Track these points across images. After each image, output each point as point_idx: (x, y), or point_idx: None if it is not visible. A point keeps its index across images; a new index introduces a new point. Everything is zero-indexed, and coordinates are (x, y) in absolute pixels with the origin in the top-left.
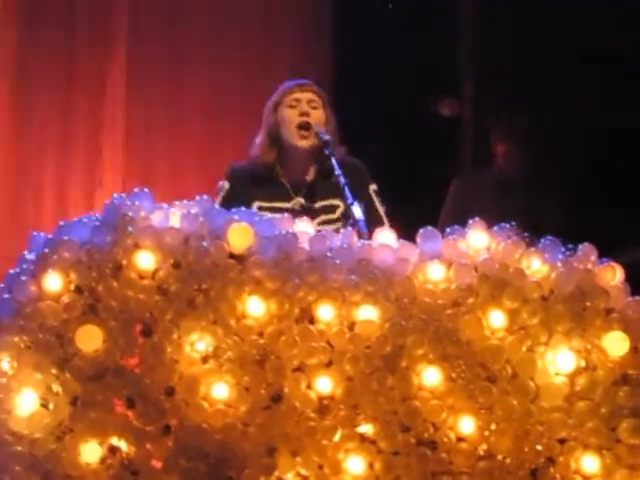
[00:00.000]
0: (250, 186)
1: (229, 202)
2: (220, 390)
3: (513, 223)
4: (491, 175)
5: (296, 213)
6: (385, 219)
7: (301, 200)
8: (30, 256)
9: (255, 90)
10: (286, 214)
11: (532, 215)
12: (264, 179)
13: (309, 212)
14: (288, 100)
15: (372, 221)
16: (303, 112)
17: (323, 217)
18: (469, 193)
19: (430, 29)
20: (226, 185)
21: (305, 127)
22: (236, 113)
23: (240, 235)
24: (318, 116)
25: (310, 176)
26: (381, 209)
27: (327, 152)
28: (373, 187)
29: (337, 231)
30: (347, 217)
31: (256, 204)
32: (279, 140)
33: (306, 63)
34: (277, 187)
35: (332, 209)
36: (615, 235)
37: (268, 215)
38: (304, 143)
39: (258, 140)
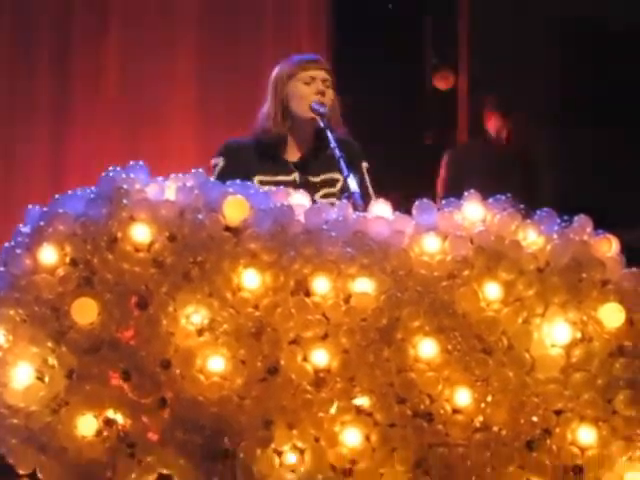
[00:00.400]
0: (249, 161)
1: (225, 178)
2: (216, 363)
3: (508, 195)
4: (483, 148)
5: (297, 187)
6: (374, 196)
7: (301, 174)
8: (25, 229)
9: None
10: (287, 187)
11: (525, 189)
12: (265, 153)
13: (310, 186)
14: (303, 76)
15: (363, 198)
16: (319, 91)
17: (325, 191)
18: (462, 165)
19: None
20: (221, 162)
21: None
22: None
23: (235, 208)
24: (330, 95)
25: (310, 150)
26: (371, 186)
27: (322, 125)
28: (365, 165)
29: (340, 197)
30: (345, 192)
31: (257, 178)
32: (289, 114)
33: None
34: (278, 161)
35: (333, 183)
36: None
37: (271, 189)
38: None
39: (267, 111)
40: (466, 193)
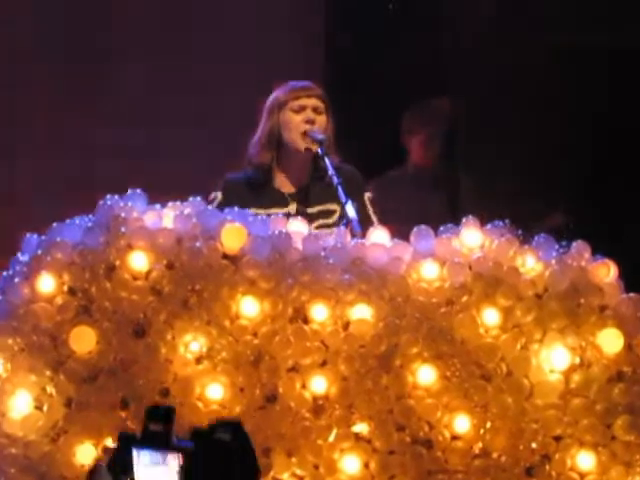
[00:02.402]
0: (244, 195)
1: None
2: (214, 391)
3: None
4: (405, 173)
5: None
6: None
7: (297, 206)
8: (23, 258)
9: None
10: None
11: (452, 203)
12: (258, 185)
13: (305, 217)
14: (293, 104)
15: (366, 229)
16: (309, 119)
17: (320, 222)
18: (384, 196)
19: None
20: (219, 196)
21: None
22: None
23: (233, 235)
24: (322, 122)
25: (306, 181)
26: (374, 217)
27: (320, 152)
28: (368, 195)
29: (338, 224)
30: (343, 219)
31: (252, 211)
32: (279, 142)
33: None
34: (272, 193)
35: (328, 214)
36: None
37: None
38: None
39: (255, 140)
40: (464, 219)
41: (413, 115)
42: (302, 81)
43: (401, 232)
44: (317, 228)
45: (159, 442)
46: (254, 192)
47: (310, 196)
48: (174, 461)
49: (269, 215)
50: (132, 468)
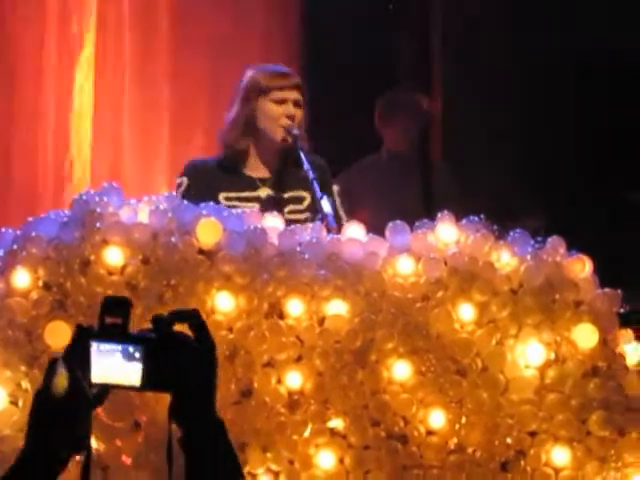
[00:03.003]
0: (213, 179)
1: (189, 198)
2: None
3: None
4: (378, 160)
5: (263, 202)
6: (345, 219)
7: (268, 190)
8: None
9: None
10: (254, 204)
11: (426, 190)
12: (228, 170)
13: (277, 202)
14: (276, 95)
15: (336, 222)
16: (290, 114)
17: (291, 207)
18: (358, 186)
19: None
20: (185, 181)
21: (290, 135)
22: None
23: (209, 230)
24: (299, 116)
25: (277, 167)
26: (342, 210)
27: (297, 146)
28: (335, 187)
29: (305, 221)
30: (315, 210)
31: (222, 195)
32: (254, 129)
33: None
34: (243, 178)
35: (299, 200)
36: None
37: (236, 205)
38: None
39: (232, 120)
40: (439, 214)
41: (388, 104)
42: (281, 66)
43: (376, 217)
44: (289, 213)
45: (117, 334)
46: (224, 176)
47: (281, 182)
48: (133, 353)
49: (240, 198)
50: (89, 362)
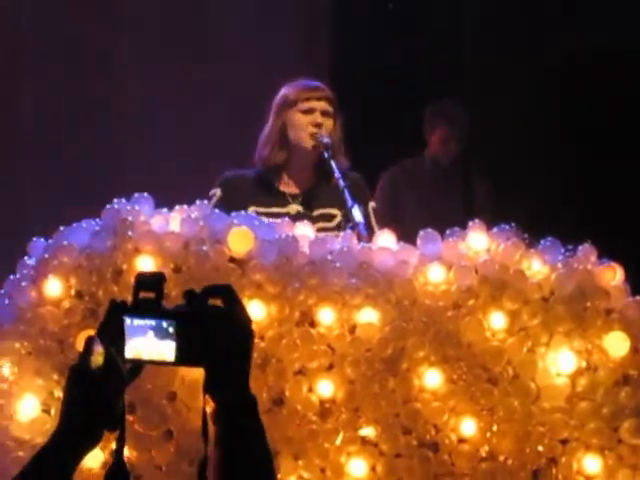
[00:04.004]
0: (244, 192)
1: (221, 209)
2: None
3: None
4: (422, 164)
5: (293, 219)
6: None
7: (298, 207)
8: (30, 261)
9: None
10: (285, 219)
11: (466, 200)
12: (261, 184)
13: (306, 219)
14: (302, 106)
15: (369, 240)
16: (316, 123)
17: (320, 225)
18: (402, 185)
19: None
20: (218, 192)
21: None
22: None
23: (240, 239)
24: (329, 126)
25: (310, 183)
26: (377, 228)
27: (326, 155)
28: (372, 204)
29: (344, 228)
30: (343, 228)
31: (252, 208)
32: (287, 142)
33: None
34: (274, 193)
35: (329, 218)
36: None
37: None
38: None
39: (265, 136)
40: (470, 223)
41: (434, 112)
42: (312, 80)
43: (416, 222)
44: (318, 231)
45: (151, 309)
46: (256, 190)
47: (312, 199)
48: (167, 328)
49: (270, 214)
50: (123, 337)
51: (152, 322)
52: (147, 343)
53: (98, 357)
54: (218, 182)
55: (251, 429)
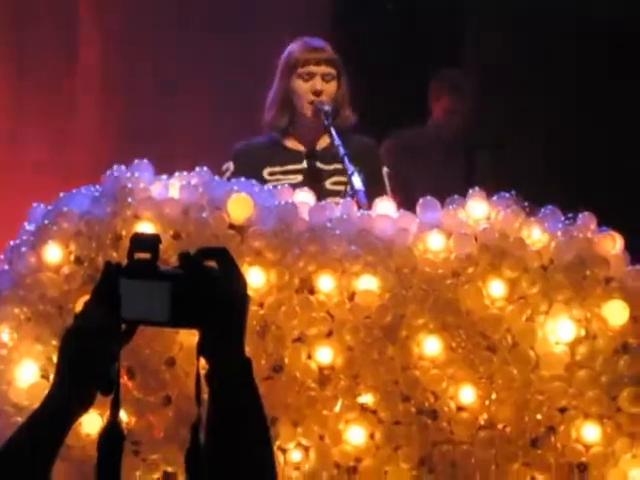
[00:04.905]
0: (257, 158)
1: None
2: None
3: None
4: (424, 134)
5: (308, 174)
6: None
7: (311, 162)
8: (30, 227)
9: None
10: (297, 176)
11: (468, 170)
12: (271, 147)
13: (321, 173)
14: (302, 71)
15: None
16: (316, 90)
17: (336, 178)
18: (406, 152)
19: None
20: (231, 166)
21: (319, 110)
22: None
23: (240, 206)
24: (331, 90)
25: (319, 141)
26: (391, 192)
27: (326, 123)
28: (385, 170)
29: (345, 195)
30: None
31: (267, 170)
32: (291, 106)
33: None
34: (286, 151)
35: (344, 172)
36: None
37: (279, 178)
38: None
39: (270, 100)
40: (470, 191)
41: (439, 82)
42: (315, 39)
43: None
44: (333, 184)
45: (147, 271)
46: (267, 152)
47: (325, 155)
48: (162, 290)
49: (286, 171)
50: (118, 298)
51: (147, 284)
52: (142, 304)
53: (93, 318)
54: (231, 156)
55: (246, 389)
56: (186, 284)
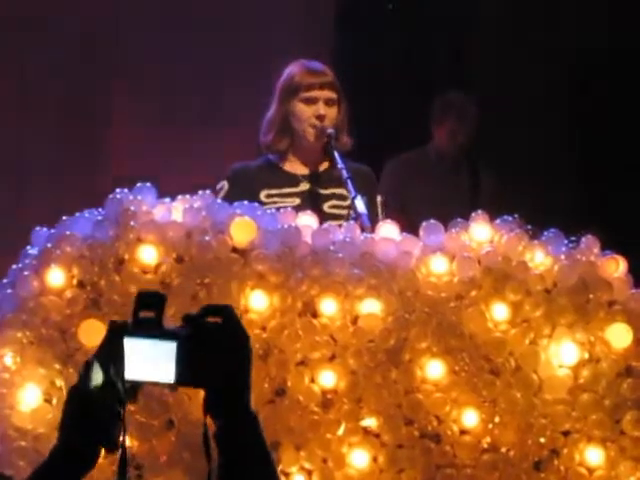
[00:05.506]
0: (254, 180)
1: (229, 201)
2: None
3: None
4: (426, 156)
5: (305, 197)
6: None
7: (309, 185)
8: (32, 251)
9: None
10: (295, 199)
11: (472, 193)
12: (268, 169)
13: (319, 196)
14: (305, 95)
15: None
16: (319, 115)
17: (333, 202)
18: (407, 175)
19: None
20: (225, 185)
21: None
22: None
23: (243, 229)
24: (332, 115)
25: (318, 165)
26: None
27: (331, 146)
28: (380, 198)
29: (347, 216)
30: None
31: (263, 192)
32: (290, 129)
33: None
34: (283, 174)
35: (342, 197)
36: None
37: (276, 201)
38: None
39: (269, 120)
40: (473, 214)
41: (442, 104)
42: (315, 63)
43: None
44: (330, 208)
45: (151, 330)
46: (264, 175)
47: (323, 178)
48: (167, 349)
49: (282, 194)
50: (123, 358)
51: (152, 343)
52: (147, 364)
53: (97, 378)
54: (225, 175)
55: (252, 446)
56: (191, 344)
